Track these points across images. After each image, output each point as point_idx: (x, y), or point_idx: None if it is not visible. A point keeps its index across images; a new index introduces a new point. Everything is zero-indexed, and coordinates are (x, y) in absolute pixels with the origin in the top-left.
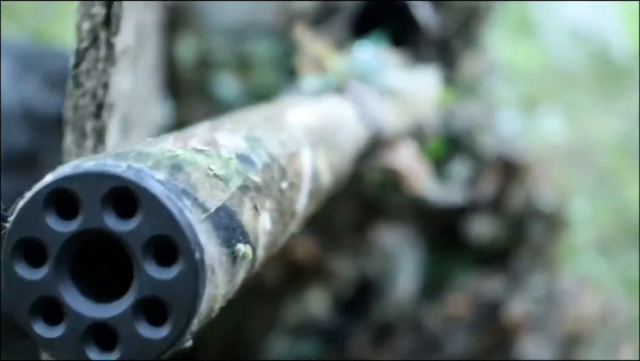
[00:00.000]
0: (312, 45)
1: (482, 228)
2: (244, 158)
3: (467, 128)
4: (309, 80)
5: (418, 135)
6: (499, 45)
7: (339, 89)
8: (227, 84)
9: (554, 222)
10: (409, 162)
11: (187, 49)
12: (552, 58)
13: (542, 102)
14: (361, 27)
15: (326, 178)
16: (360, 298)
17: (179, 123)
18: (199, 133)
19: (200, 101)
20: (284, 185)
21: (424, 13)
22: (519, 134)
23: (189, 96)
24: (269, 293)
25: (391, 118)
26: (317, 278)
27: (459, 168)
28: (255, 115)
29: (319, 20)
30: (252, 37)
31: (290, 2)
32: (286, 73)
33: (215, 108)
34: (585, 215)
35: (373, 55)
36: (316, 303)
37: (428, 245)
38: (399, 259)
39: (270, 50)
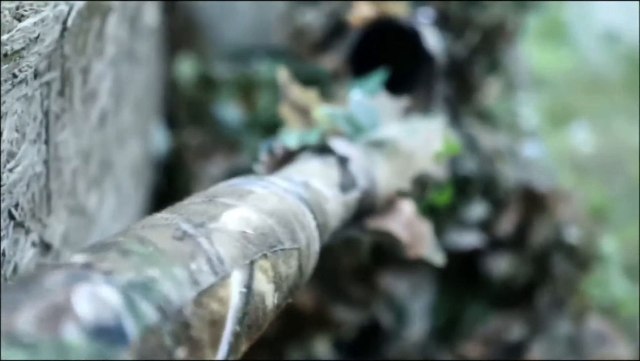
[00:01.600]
0: (297, 93)
1: (502, 267)
2: (105, 334)
3: (482, 170)
4: (288, 135)
5: (422, 188)
6: (531, 51)
7: (321, 146)
8: (228, 107)
9: (580, 256)
10: (407, 224)
11: (187, 70)
12: (584, 62)
13: (574, 109)
14: (365, 56)
15: (270, 300)
16: (368, 343)
17: (178, 148)
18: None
19: (201, 124)
20: (180, 353)
21: (431, 40)
22: (542, 162)
23: (189, 118)
24: (271, 342)
25: (384, 175)
26: (321, 327)
27: (475, 210)
28: (168, 231)
29: (325, 43)
30: (256, 59)
31: (296, 24)
32: None
33: (216, 131)
34: (614, 247)
35: (365, 105)
36: (320, 349)
37: (443, 286)
38: (410, 303)
39: (275, 72)
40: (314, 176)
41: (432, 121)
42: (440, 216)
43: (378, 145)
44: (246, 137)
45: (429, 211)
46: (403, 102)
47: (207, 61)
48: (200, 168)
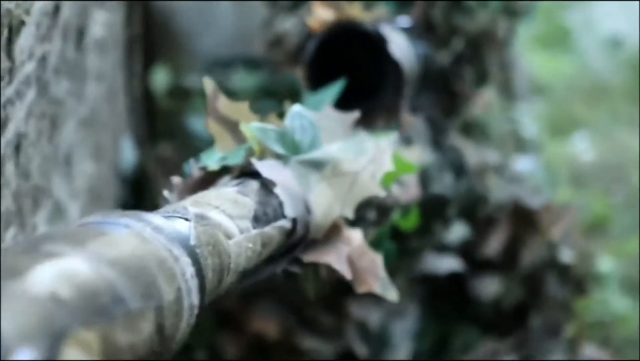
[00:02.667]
0: (226, 105)
1: (492, 288)
2: None
3: (468, 187)
4: (208, 155)
5: (383, 212)
6: (532, 57)
7: (244, 168)
8: (201, 120)
9: (576, 276)
10: (354, 256)
11: (161, 81)
12: (586, 68)
13: (575, 117)
14: (328, 64)
15: None
16: None
17: (149, 162)
18: None
19: (174, 136)
20: None
21: (400, 46)
22: (536, 176)
23: (163, 131)
24: None
25: (324, 200)
26: (289, 357)
27: (455, 231)
28: None
29: (302, 51)
30: (235, 69)
31: (275, 32)
32: (266, 107)
33: (189, 145)
34: (611, 265)
35: (304, 120)
36: None
37: (429, 309)
38: (391, 326)
39: (252, 82)
40: (225, 205)
41: (382, 138)
42: (414, 239)
43: (317, 166)
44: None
45: (395, 236)
46: (351, 116)
47: (184, 71)
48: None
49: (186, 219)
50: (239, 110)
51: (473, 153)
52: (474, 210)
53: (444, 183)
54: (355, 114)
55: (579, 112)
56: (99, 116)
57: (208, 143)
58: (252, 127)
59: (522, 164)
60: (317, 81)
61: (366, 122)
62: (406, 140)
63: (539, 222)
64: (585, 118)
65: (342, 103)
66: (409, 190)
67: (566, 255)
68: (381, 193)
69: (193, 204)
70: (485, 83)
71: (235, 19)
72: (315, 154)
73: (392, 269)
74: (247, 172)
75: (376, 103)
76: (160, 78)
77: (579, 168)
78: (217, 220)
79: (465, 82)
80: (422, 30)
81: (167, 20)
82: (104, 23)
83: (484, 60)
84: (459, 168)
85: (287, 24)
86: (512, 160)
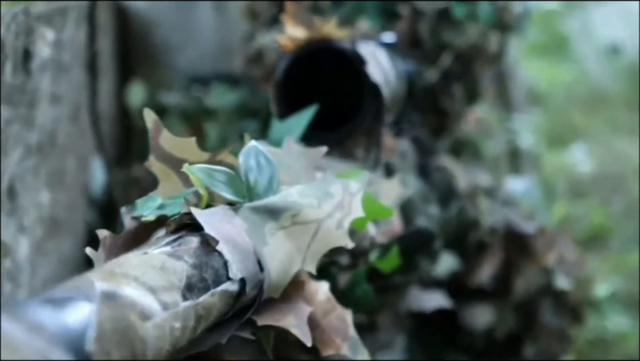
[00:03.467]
0: (170, 141)
1: (485, 318)
2: None
3: (458, 214)
4: (143, 203)
5: (359, 254)
6: (530, 65)
7: (183, 220)
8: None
9: (571, 303)
10: (318, 316)
11: (137, 98)
12: (585, 77)
13: (573, 126)
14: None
15: None
16: None
17: (121, 183)
18: None
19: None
20: None
21: (379, 67)
22: (531, 196)
23: (139, 150)
24: None
25: (282, 254)
26: None
27: (442, 265)
28: None
29: None
30: (212, 85)
31: (254, 48)
32: (247, 127)
33: None
34: (609, 290)
35: (261, 159)
36: None
37: (418, 339)
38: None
39: (231, 99)
40: (147, 275)
41: (352, 179)
42: (398, 276)
43: (273, 213)
44: None
45: (375, 275)
46: (317, 152)
47: (162, 87)
48: None
49: (90, 300)
50: (185, 146)
51: (464, 176)
52: (465, 235)
53: (430, 215)
54: (322, 150)
55: (577, 121)
56: (57, 140)
57: None
58: (196, 168)
59: (517, 184)
60: (289, 104)
61: (344, 149)
62: (388, 169)
63: (533, 248)
64: (584, 128)
65: (317, 129)
66: (388, 229)
67: (562, 282)
68: (349, 244)
69: (105, 277)
70: (476, 100)
71: (217, 33)
72: (271, 200)
73: (376, 305)
74: (188, 225)
75: (354, 128)
76: (137, 94)
77: (577, 179)
78: (132, 297)
79: (455, 99)
80: (409, 46)
81: (146, 34)
82: (59, 43)
83: (475, 76)
84: (448, 192)
85: (267, 39)
86: (505, 180)
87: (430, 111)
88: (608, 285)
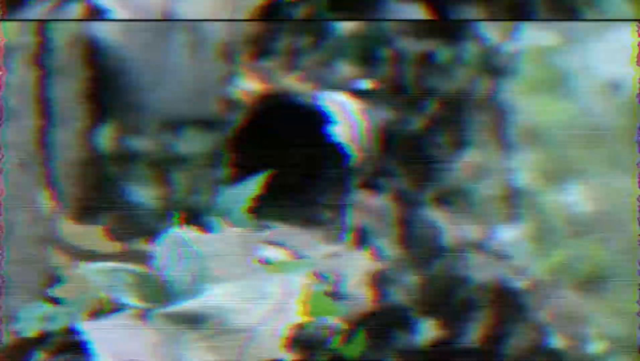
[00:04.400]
0: (73, 230)
1: None
2: None
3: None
4: (28, 312)
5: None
6: (527, 102)
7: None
8: (142, 188)
9: None
10: None
11: (104, 143)
12: (584, 113)
13: (571, 164)
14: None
15: None
16: None
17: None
18: None
19: (114, 207)
20: None
21: (347, 120)
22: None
23: (105, 198)
24: None
25: None
26: None
27: (426, 332)
28: None
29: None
30: (184, 129)
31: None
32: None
33: (130, 217)
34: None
35: (188, 250)
36: None
37: None
38: None
39: (204, 145)
40: None
41: (293, 272)
42: (371, 353)
43: (193, 321)
44: (162, 224)
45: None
46: (258, 237)
47: (131, 132)
48: None
49: None
50: (90, 235)
51: (451, 228)
52: (452, 294)
53: (406, 286)
54: (266, 233)
55: (575, 159)
56: (11, 192)
57: (153, 214)
58: (95, 268)
59: (508, 233)
60: (247, 164)
61: (307, 214)
62: (361, 234)
63: (524, 304)
64: (582, 165)
65: (277, 192)
66: (353, 311)
67: (557, 340)
68: (286, 357)
69: None
70: (467, 146)
71: (192, 73)
72: (192, 304)
73: None
74: (75, 345)
75: (317, 191)
76: (105, 139)
77: (575, 218)
78: None
79: (441, 147)
80: (392, 92)
81: (116, 74)
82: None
83: (465, 121)
84: (434, 247)
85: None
86: (496, 229)
87: (414, 161)
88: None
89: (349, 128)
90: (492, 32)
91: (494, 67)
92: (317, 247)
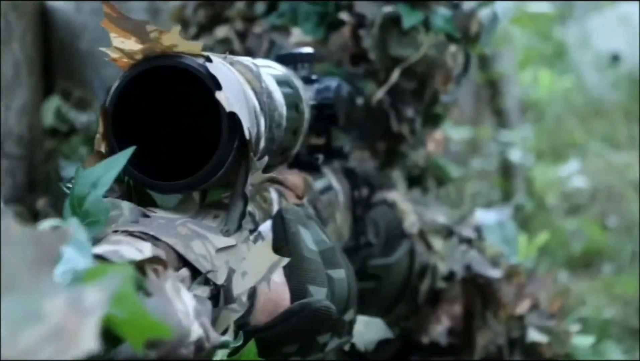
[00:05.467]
0: None
1: None
2: None
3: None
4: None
5: None
6: (527, 74)
7: None
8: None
9: (546, 358)
10: None
11: (50, 115)
12: (583, 86)
13: (570, 138)
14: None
15: None
16: None
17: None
18: None
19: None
20: None
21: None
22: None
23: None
24: None
25: None
26: None
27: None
28: None
29: None
30: None
31: None
32: None
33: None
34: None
35: None
36: None
37: None
38: None
39: None
40: None
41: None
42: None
43: None
44: None
45: None
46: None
47: (85, 104)
48: None
49: None
50: None
51: (414, 211)
52: (415, 283)
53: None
54: (67, 232)
55: (574, 133)
56: None
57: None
58: None
59: (488, 216)
60: (126, 140)
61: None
62: (280, 222)
63: (499, 295)
64: (580, 140)
65: (163, 174)
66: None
67: (534, 334)
68: None
69: None
70: (438, 121)
71: None
72: None
73: None
74: None
75: (209, 172)
76: (50, 112)
77: (572, 194)
78: None
79: (409, 121)
80: (352, 60)
81: (70, 42)
82: None
83: (433, 94)
84: (393, 233)
85: (206, 42)
86: (474, 214)
87: (380, 136)
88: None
89: (250, 97)
90: None
91: (468, 35)
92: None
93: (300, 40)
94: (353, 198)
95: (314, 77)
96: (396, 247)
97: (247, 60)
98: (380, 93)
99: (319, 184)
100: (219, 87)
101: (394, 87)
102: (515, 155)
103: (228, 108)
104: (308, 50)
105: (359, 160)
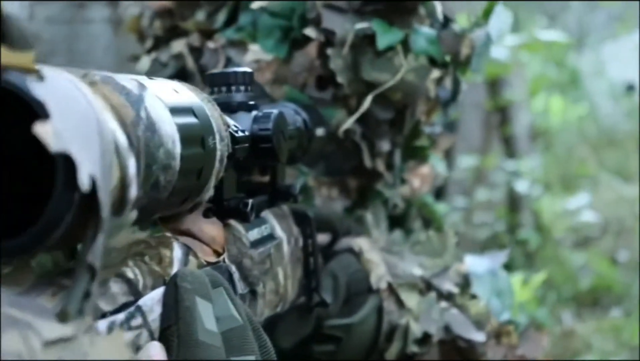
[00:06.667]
0: None
1: None
2: None
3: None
4: None
5: None
6: (538, 101)
7: None
8: None
9: None
10: None
11: None
12: (596, 115)
13: (581, 168)
14: None
15: None
16: None
17: None
18: None
19: None
20: None
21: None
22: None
23: None
24: None
25: None
26: None
27: None
28: None
29: None
30: None
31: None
32: None
33: None
34: None
35: None
36: None
37: None
38: None
39: None
40: None
41: None
42: None
43: None
44: None
45: None
46: None
47: None
48: None
49: None
50: None
51: (387, 265)
52: (382, 346)
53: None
54: None
55: (585, 163)
56: None
57: None
58: None
59: (479, 263)
60: None
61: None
62: (169, 306)
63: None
64: (592, 171)
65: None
66: None
67: None
68: None
69: None
70: (420, 155)
71: (112, 52)
72: None
73: None
74: None
75: (42, 235)
76: None
77: (581, 227)
78: None
79: (383, 156)
80: (318, 84)
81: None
82: None
83: (414, 125)
84: (357, 289)
85: (146, 63)
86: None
87: (351, 172)
88: None
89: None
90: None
91: (456, 58)
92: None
93: (259, 59)
94: (306, 247)
95: (252, 102)
96: (360, 304)
97: (128, 80)
98: (348, 123)
99: (253, 234)
100: (46, 116)
101: (367, 116)
102: (522, 186)
103: (56, 147)
104: (245, 70)
105: (326, 199)
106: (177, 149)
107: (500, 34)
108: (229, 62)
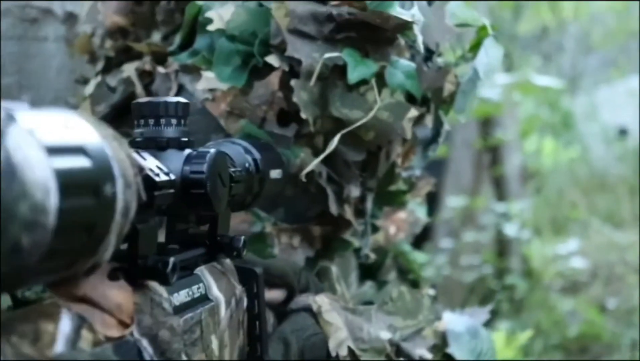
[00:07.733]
0: None
1: None
2: None
3: None
4: None
5: None
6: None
7: None
8: None
9: None
10: None
11: None
12: (588, 159)
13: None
14: None
15: None
16: None
17: None
18: None
19: None
20: None
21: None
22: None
23: None
24: None
25: None
26: None
27: None
28: None
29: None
30: None
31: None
32: None
33: None
34: None
35: None
36: None
37: None
38: None
39: None
40: None
41: None
42: None
43: None
44: None
45: None
46: None
47: None
48: None
49: None
50: None
51: (349, 327)
52: None
53: None
54: None
55: (576, 207)
56: None
57: None
58: None
59: (457, 322)
60: None
61: None
62: None
63: None
64: (582, 215)
65: None
66: None
67: None
68: None
69: None
70: (395, 201)
71: (68, 72)
72: None
73: None
74: None
75: None
76: None
77: (570, 273)
78: None
79: (351, 202)
80: (279, 119)
81: None
82: None
83: (389, 168)
84: (314, 356)
85: (109, 80)
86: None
87: (315, 219)
88: None
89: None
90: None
91: (437, 96)
92: None
93: (214, 87)
94: (251, 309)
95: (185, 139)
96: None
97: None
98: (312, 165)
99: (178, 297)
100: None
101: (335, 157)
102: (511, 229)
103: None
104: (179, 100)
105: (286, 248)
106: (52, 201)
107: (489, 70)
108: (181, 89)
